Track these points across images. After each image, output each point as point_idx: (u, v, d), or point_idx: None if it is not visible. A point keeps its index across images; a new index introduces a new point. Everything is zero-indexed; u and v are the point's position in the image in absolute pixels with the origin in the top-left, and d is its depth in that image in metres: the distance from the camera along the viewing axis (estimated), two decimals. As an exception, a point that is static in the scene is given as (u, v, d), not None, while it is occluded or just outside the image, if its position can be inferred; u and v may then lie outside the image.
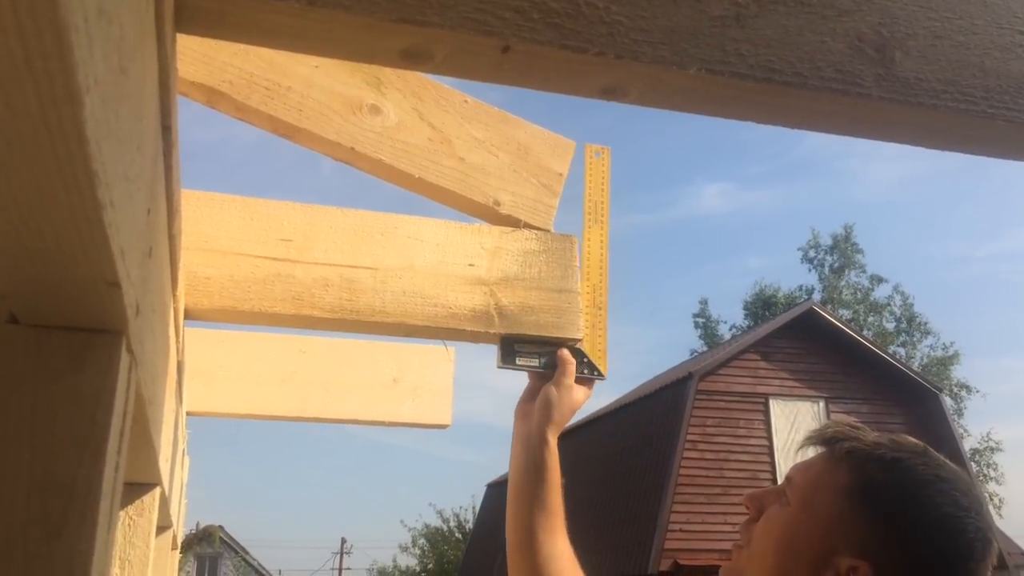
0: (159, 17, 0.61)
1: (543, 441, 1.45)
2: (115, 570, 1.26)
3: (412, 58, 0.76)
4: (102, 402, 0.59)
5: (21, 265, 0.49)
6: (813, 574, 1.04)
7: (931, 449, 1.11)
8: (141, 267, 0.63)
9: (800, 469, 1.14)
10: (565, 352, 1.51)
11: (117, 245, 0.48)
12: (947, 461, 1.09)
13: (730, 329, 34.67)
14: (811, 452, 1.16)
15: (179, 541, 2.73)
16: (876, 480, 1.06)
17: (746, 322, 33.94)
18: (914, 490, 1.04)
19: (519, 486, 1.46)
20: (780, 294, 34.92)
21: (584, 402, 1.53)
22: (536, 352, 1.53)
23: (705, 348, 32.31)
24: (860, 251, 34.12)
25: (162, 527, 1.69)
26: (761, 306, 34.47)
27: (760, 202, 65.45)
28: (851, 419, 1.19)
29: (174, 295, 1.09)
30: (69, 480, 0.56)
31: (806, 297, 30.90)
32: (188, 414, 2.15)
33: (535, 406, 1.49)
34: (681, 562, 14.62)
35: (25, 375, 0.58)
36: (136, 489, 1.28)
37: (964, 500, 1.04)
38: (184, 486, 2.74)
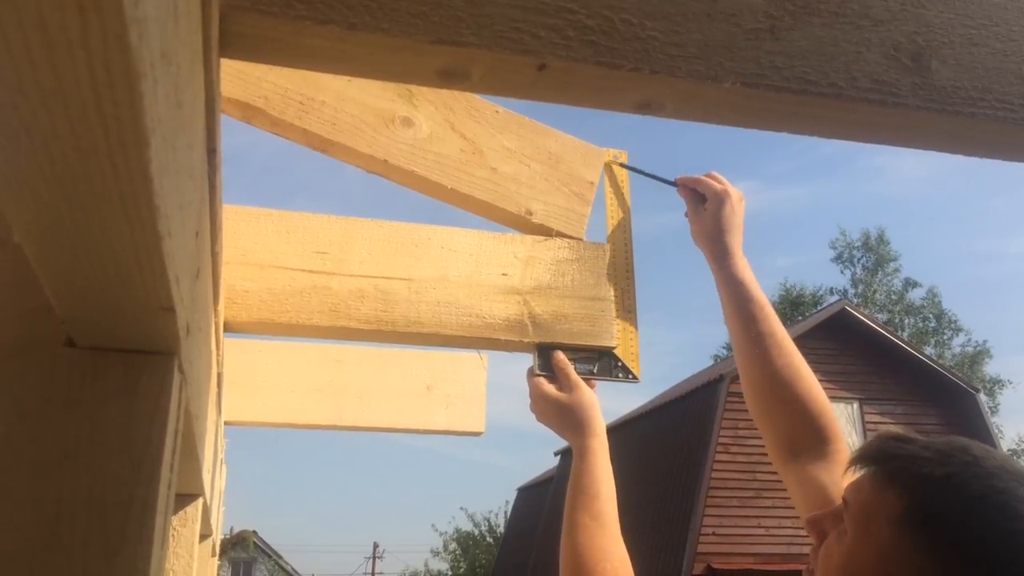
0: (206, 45, 0.62)
1: (578, 455, 1.48)
2: (160, 580, 1.28)
3: (449, 78, 0.77)
4: (156, 421, 0.60)
5: (81, 293, 0.51)
6: None
7: (984, 452, 1.03)
8: (191, 289, 0.64)
9: (852, 491, 1.10)
10: (559, 354, 1.53)
11: (173, 272, 0.50)
12: (1005, 464, 1.02)
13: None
14: (859, 470, 1.11)
15: (217, 548, 2.77)
16: (926, 504, 1.00)
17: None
18: (968, 509, 0.97)
19: (567, 497, 1.47)
20: (807, 293, 34.62)
21: (594, 395, 1.53)
22: (572, 358, 1.54)
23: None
24: (895, 257, 33.76)
25: (203, 535, 1.71)
26: (789, 306, 34.18)
27: (787, 200, 64.99)
28: (897, 429, 1.14)
29: (215, 310, 1.11)
30: (126, 498, 0.58)
31: (838, 297, 30.60)
32: (226, 423, 2.18)
33: (560, 426, 1.52)
34: (714, 566, 14.53)
35: (82, 397, 0.60)
36: (181, 500, 1.31)
37: None
38: (222, 494, 2.77)
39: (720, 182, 1.69)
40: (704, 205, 1.68)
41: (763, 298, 1.57)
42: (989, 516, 0.96)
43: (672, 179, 1.77)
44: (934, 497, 1.00)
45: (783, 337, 1.53)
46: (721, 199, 1.66)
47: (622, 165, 1.75)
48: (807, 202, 65.28)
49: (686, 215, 1.75)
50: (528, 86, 0.79)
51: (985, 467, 1.00)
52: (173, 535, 1.31)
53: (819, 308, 24.43)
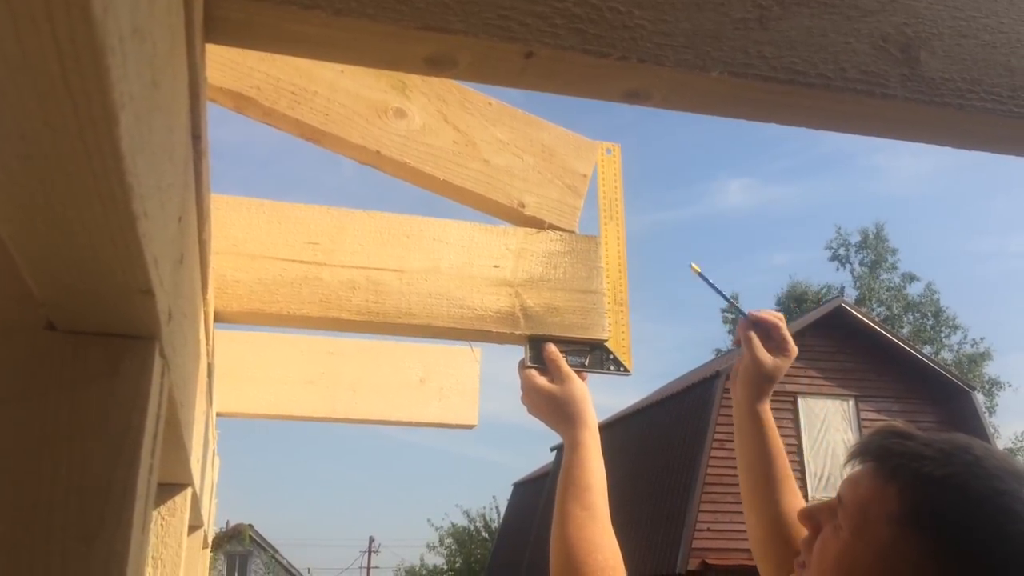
0: (189, 28, 0.62)
1: (570, 447, 1.47)
2: (148, 569, 1.28)
3: (436, 65, 0.77)
4: (136, 406, 0.60)
5: (59, 275, 0.51)
6: None
7: (985, 451, 1.02)
8: (173, 274, 0.64)
9: (849, 487, 1.08)
10: (550, 346, 1.53)
11: (151, 254, 0.49)
12: (1006, 464, 1.00)
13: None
14: (858, 465, 1.10)
15: (210, 540, 2.77)
16: (927, 504, 0.99)
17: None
18: (969, 511, 0.97)
19: (558, 489, 1.46)
20: (811, 291, 34.64)
21: (585, 387, 1.53)
22: (563, 351, 1.54)
23: (732, 347, 32.06)
24: (893, 251, 33.78)
25: (193, 526, 1.71)
26: (792, 302, 34.20)
27: (785, 197, 65.04)
28: (896, 424, 1.12)
29: (204, 299, 1.10)
30: (105, 483, 0.58)
31: (836, 294, 30.62)
32: (218, 415, 2.18)
33: (551, 419, 1.52)
34: (710, 562, 14.56)
35: (62, 380, 0.59)
36: (168, 490, 1.31)
37: None
38: (214, 486, 2.77)
39: (788, 335, 1.64)
40: (772, 355, 1.62)
41: (781, 443, 1.62)
42: (990, 518, 0.96)
43: (744, 310, 1.67)
44: (935, 497, 0.99)
45: (793, 481, 1.59)
46: (789, 358, 1.63)
47: (699, 275, 1.75)
48: (804, 200, 65.31)
49: (735, 344, 1.71)
50: (516, 74, 0.79)
51: (986, 467, 0.99)
52: (161, 524, 1.31)
53: (818, 305, 24.44)
